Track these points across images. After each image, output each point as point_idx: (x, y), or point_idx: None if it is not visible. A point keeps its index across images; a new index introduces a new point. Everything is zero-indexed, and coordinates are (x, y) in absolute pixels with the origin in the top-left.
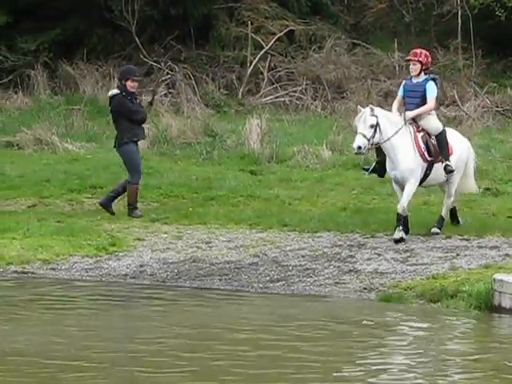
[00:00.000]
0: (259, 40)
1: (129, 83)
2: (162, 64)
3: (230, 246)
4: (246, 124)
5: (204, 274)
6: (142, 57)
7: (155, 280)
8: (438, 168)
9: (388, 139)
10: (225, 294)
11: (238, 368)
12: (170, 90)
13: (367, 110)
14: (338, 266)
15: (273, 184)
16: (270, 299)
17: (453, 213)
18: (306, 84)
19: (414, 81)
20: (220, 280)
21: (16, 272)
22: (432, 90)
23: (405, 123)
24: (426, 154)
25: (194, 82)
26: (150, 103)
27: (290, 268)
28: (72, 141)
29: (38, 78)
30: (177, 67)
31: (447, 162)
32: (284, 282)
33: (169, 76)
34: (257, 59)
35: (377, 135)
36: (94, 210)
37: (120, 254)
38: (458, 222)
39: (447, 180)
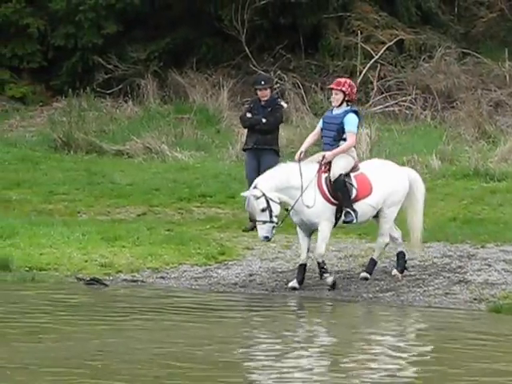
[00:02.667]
0: (369, 49)
1: (258, 92)
2: (272, 73)
3: (340, 255)
4: None
5: (313, 284)
6: (251, 66)
7: (264, 289)
8: (359, 207)
9: (297, 200)
10: (334, 305)
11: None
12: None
13: (250, 196)
14: (448, 277)
15: None
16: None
17: (398, 257)
18: (416, 93)
19: (334, 112)
20: (329, 290)
21: (126, 280)
22: (351, 124)
23: (320, 165)
24: (329, 196)
25: (302, 92)
26: None
27: (400, 278)
28: (181, 150)
29: (147, 86)
30: (286, 76)
31: (347, 209)
32: (393, 292)
33: (278, 85)
34: (366, 68)
35: (275, 211)
36: (203, 219)
37: (229, 262)
38: (403, 270)
39: (379, 215)
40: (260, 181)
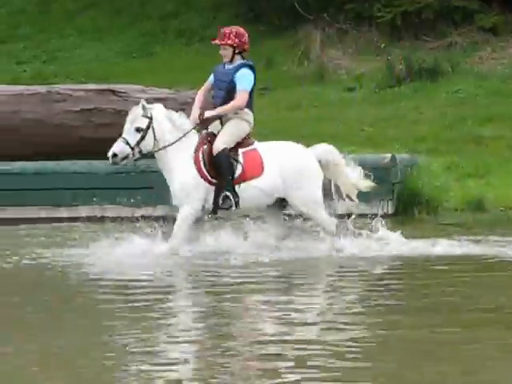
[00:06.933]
0: None
1: None
2: None
3: None
4: None
5: None
6: None
7: None
8: (244, 190)
9: (164, 147)
10: None
11: None
12: None
13: (139, 107)
14: None
15: None
16: None
17: None
18: None
19: (226, 67)
20: None
21: None
22: (243, 81)
23: (194, 127)
24: (206, 174)
25: None
26: None
27: None
28: None
29: None
30: None
31: (226, 193)
32: None
33: None
34: None
35: (147, 142)
36: None
37: None
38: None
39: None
40: (157, 106)
